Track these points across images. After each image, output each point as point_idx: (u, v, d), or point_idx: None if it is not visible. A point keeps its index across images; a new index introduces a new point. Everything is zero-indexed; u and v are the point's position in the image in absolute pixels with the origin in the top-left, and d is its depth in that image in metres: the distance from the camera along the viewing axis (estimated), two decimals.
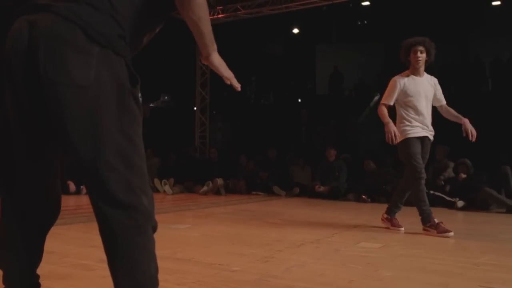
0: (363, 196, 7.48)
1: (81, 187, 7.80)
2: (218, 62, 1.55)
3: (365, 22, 18.08)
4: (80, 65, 1.23)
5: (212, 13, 11.07)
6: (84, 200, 7.14)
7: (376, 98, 14.31)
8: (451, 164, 7.36)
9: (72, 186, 7.68)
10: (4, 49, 1.31)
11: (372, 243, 3.56)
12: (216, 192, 8.54)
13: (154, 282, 1.37)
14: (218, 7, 10.81)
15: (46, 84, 1.23)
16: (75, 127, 1.25)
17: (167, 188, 8.62)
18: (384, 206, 4.66)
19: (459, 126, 4.22)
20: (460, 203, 6.50)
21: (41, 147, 1.40)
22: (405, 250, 3.32)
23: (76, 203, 6.70)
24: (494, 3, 15.94)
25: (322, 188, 8.06)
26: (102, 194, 1.29)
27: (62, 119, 1.25)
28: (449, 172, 7.34)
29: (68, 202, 6.70)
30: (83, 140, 1.26)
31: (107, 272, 1.37)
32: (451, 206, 6.54)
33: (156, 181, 8.80)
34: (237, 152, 10.47)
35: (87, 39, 1.24)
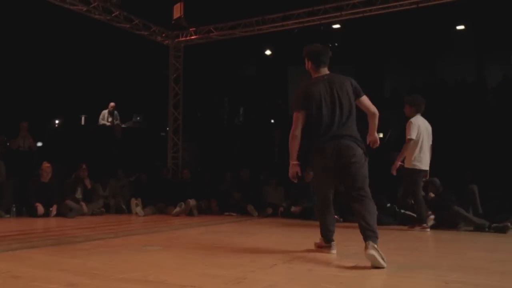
0: (336, 216, 7.48)
1: (50, 209, 7.62)
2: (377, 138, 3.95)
3: (336, 44, 18.43)
4: (356, 154, 3.67)
5: (184, 34, 11.13)
6: (52, 222, 6.94)
7: None
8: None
9: (40, 208, 7.47)
10: (326, 157, 3.76)
11: (345, 263, 3.58)
12: (189, 213, 8.47)
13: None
14: (191, 29, 10.87)
15: (342, 163, 3.71)
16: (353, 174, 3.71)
17: (138, 209, 8.50)
18: (356, 226, 4.69)
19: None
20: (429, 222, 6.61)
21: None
22: (377, 269, 3.35)
23: (45, 225, 6.51)
24: (458, 28, 16.56)
25: (293, 208, 8.11)
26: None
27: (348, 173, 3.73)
28: None
29: (36, 224, 6.51)
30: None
31: None
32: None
33: (133, 201, 8.73)
34: (207, 172, 10.42)
35: (355, 145, 3.69)
